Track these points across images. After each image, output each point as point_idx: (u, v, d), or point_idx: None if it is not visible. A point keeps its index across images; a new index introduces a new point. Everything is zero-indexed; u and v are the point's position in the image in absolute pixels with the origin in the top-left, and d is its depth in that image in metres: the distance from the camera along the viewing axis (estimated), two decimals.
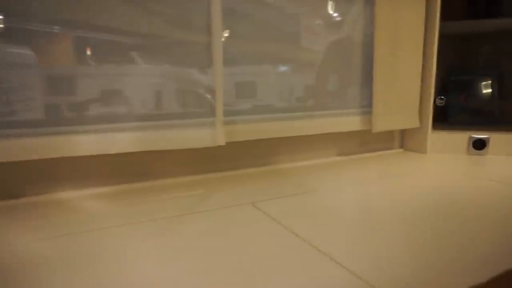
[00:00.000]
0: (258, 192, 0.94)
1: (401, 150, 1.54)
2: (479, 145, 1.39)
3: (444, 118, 1.51)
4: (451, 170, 1.19)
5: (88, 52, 0.90)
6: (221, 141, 1.01)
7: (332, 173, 1.15)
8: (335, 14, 1.29)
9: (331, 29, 1.29)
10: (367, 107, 1.36)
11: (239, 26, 1.09)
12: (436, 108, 1.45)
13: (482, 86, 1.49)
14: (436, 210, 0.81)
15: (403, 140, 1.56)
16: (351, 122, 1.32)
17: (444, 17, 1.39)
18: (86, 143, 0.88)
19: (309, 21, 1.23)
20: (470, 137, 1.40)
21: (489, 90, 1.47)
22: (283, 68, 1.21)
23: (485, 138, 1.39)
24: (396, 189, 0.97)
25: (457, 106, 1.50)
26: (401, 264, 0.55)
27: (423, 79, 1.43)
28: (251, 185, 1.01)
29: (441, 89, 1.51)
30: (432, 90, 1.42)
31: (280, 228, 0.70)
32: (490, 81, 1.47)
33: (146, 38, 0.95)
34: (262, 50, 1.14)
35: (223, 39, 1.05)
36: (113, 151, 0.90)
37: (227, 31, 1.07)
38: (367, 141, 1.46)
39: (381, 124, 1.33)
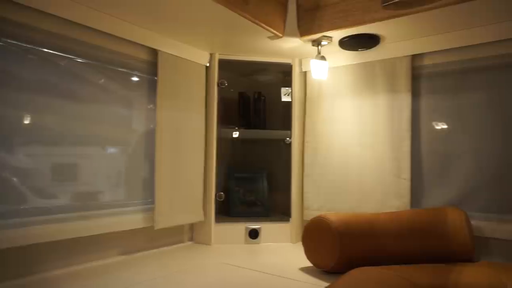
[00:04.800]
0: None
1: (190, 243, 1.61)
2: (254, 234, 1.59)
3: (226, 211, 1.68)
4: (226, 262, 1.30)
5: None
6: None
7: (108, 277, 1.10)
8: (125, 110, 1.35)
9: (117, 122, 1.33)
10: (151, 203, 1.40)
11: None
12: (219, 202, 1.61)
13: (256, 183, 1.76)
14: None
15: (193, 232, 1.64)
16: (133, 220, 1.32)
17: (222, 124, 1.63)
18: None
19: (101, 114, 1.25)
20: (246, 228, 1.60)
21: (261, 186, 1.75)
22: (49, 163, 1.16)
23: (258, 228, 1.60)
24: None
25: (236, 200, 1.71)
26: None
27: (206, 177, 1.60)
28: None
29: (223, 185, 1.70)
30: (214, 187, 1.59)
31: None
32: (262, 179, 1.76)
33: None
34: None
35: None
36: None
37: None
38: (156, 237, 1.48)
39: (164, 220, 1.38)
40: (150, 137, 1.43)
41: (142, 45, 1.36)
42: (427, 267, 1.06)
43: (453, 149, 1.37)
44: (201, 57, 1.58)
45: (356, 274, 0.96)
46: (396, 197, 1.41)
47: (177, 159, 1.46)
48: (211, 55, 1.61)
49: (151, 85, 1.44)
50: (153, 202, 1.37)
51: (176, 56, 1.47)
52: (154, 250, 1.45)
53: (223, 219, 1.61)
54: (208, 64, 1.62)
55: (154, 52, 1.41)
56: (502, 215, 1.26)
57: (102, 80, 1.30)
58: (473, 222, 1.26)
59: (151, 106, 1.44)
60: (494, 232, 1.25)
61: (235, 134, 1.65)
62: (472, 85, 1.35)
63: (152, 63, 1.42)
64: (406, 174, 1.40)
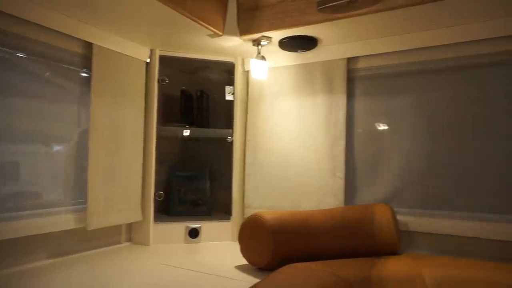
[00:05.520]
0: None
1: (128, 243, 1.56)
2: (194, 233, 1.58)
3: (166, 210, 1.65)
4: (163, 263, 1.28)
5: None
6: None
7: (35, 282, 1.04)
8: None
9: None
10: (85, 203, 1.34)
11: None
12: (159, 201, 1.58)
13: (198, 181, 1.74)
14: None
15: (131, 233, 1.60)
16: (63, 220, 1.26)
17: (163, 121, 1.60)
18: None
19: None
20: (187, 227, 1.58)
21: (203, 185, 1.74)
22: None
23: (198, 227, 1.59)
24: None
25: (176, 199, 1.68)
26: None
27: (144, 175, 1.56)
28: None
29: (164, 184, 1.67)
30: (153, 185, 1.56)
31: None
32: (204, 177, 1.75)
33: None
34: None
35: None
36: None
37: None
38: (91, 238, 1.42)
39: (97, 221, 1.33)
40: (85, 134, 1.37)
41: (76, 38, 1.30)
42: (354, 261, 1.11)
43: (384, 148, 1.44)
44: (141, 53, 1.54)
45: (285, 270, 0.98)
46: (332, 195, 1.46)
47: (113, 158, 1.41)
48: (152, 51, 1.57)
49: (87, 80, 1.38)
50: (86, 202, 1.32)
51: (113, 50, 1.41)
52: (89, 252, 1.39)
53: (162, 218, 1.58)
54: (148, 60, 1.58)
55: (90, 46, 1.35)
56: (425, 210, 1.35)
57: (33, 74, 1.22)
58: (400, 217, 1.34)
59: (86, 102, 1.38)
60: (418, 226, 1.34)
61: (186, 133, 1.63)
62: (403, 88, 1.43)
63: (88, 57, 1.36)
64: (340, 172, 1.46)
